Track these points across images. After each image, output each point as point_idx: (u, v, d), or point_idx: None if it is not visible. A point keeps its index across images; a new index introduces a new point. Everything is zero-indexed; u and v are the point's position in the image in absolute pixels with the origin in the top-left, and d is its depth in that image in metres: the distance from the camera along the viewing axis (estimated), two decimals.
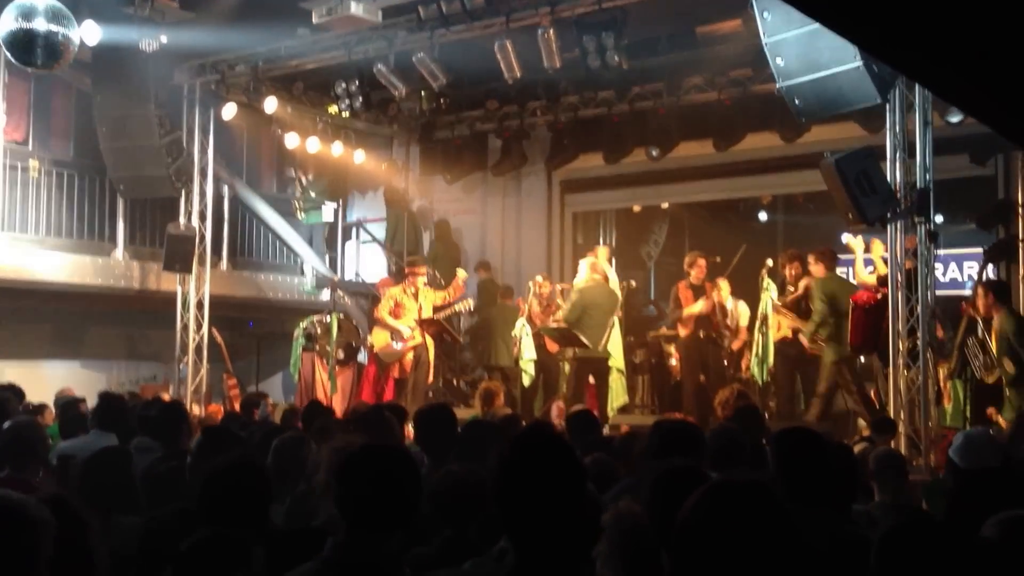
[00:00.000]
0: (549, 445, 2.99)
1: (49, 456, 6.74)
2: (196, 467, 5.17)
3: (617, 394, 12.95)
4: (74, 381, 12.09)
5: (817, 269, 11.77)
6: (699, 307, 12.55)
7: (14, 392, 9.02)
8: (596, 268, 13.00)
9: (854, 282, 11.79)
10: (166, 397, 12.17)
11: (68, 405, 8.72)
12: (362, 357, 15.29)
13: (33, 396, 10.05)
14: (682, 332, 12.81)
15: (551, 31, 11.31)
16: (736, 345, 12.91)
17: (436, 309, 13.78)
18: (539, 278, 14.02)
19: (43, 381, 9.52)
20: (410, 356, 13.53)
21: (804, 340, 11.74)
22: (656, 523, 3.19)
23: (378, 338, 13.81)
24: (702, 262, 12.93)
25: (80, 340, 16.08)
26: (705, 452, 5.11)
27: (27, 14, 11.30)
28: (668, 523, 2.52)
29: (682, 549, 2.43)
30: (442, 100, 15.23)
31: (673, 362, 14.04)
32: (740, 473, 4.79)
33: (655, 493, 3.40)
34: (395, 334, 13.52)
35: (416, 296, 13.61)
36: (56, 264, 13.83)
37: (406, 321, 13.48)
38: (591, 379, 13.08)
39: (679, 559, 2.44)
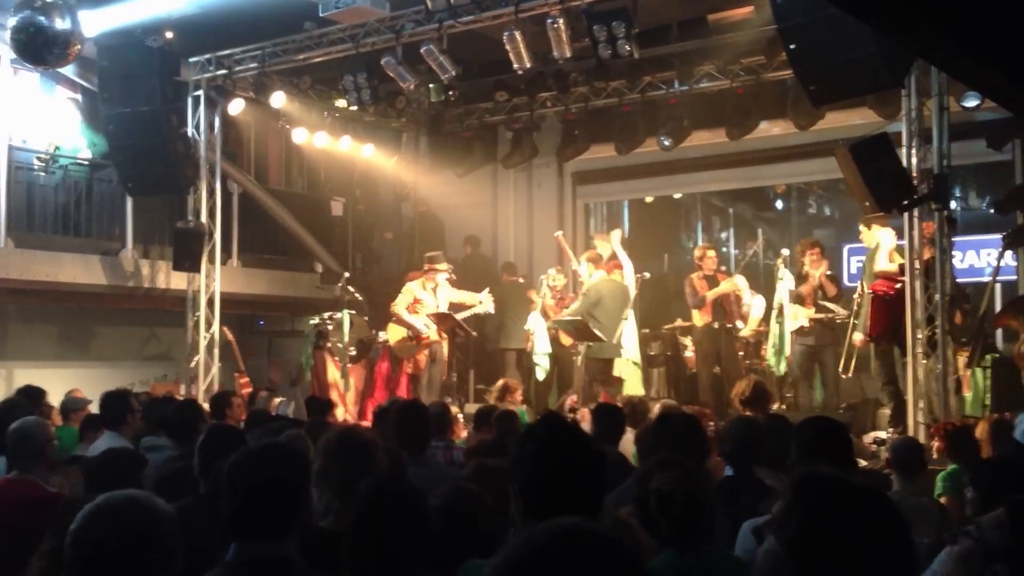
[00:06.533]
0: (575, 437, 2.98)
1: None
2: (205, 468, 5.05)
3: (632, 386, 12.88)
4: (83, 382, 11.96)
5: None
6: (725, 286, 12.65)
7: (28, 395, 8.82)
8: (597, 261, 13.05)
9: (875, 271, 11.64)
10: (179, 396, 12.08)
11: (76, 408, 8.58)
12: (374, 353, 15.14)
13: None
14: (698, 322, 12.75)
15: (561, 20, 11.21)
16: (748, 334, 12.87)
17: (453, 307, 13.62)
18: (552, 271, 13.93)
19: (52, 383, 9.38)
20: (425, 352, 13.42)
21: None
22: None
23: (393, 333, 13.69)
24: (712, 253, 13.06)
25: (89, 340, 16.03)
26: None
27: (32, 12, 11.21)
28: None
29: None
30: (451, 92, 15.09)
31: (688, 353, 13.96)
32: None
33: None
34: (411, 330, 13.40)
35: (436, 292, 13.50)
36: (64, 264, 13.73)
37: (422, 317, 13.37)
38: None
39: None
